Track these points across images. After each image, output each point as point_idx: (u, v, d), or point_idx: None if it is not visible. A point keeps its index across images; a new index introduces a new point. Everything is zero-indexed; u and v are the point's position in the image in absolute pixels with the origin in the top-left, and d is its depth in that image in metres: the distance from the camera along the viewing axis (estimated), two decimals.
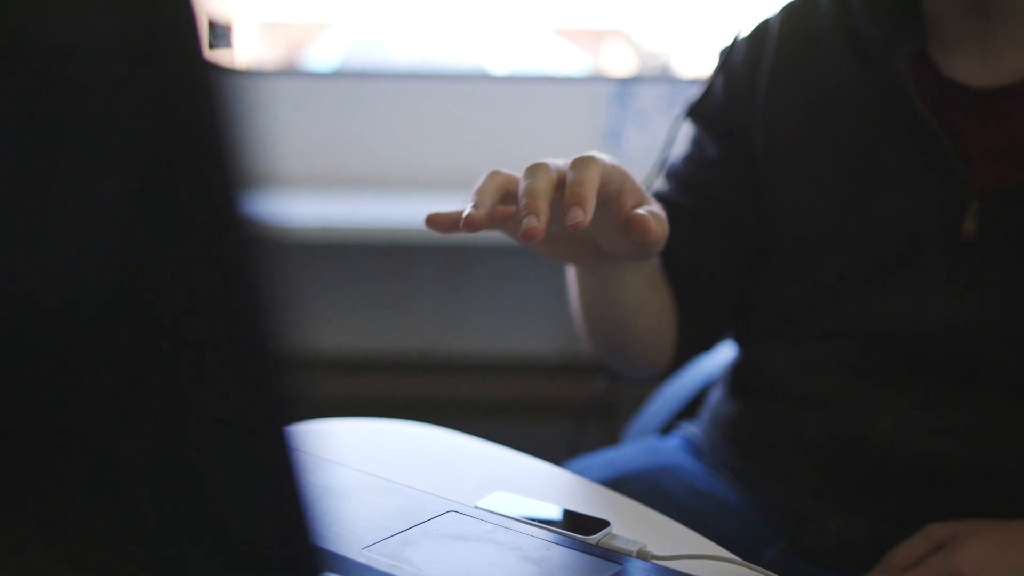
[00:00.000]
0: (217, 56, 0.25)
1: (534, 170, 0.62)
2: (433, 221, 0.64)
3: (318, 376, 2.37)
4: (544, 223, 0.59)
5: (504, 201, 0.65)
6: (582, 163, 0.62)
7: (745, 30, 0.94)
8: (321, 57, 5.20)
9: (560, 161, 0.64)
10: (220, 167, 0.24)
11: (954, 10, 0.82)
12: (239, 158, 0.24)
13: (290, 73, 2.83)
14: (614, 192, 0.65)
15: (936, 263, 0.81)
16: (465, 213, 0.61)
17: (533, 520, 0.62)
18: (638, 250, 0.72)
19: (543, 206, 0.59)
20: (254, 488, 0.25)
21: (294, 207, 2.11)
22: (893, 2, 0.84)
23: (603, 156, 0.64)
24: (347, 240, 2.11)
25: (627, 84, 2.36)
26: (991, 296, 0.79)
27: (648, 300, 0.86)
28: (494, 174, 0.64)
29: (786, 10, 0.93)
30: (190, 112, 0.24)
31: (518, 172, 0.64)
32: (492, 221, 0.64)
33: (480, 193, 0.62)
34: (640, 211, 0.66)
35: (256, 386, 0.25)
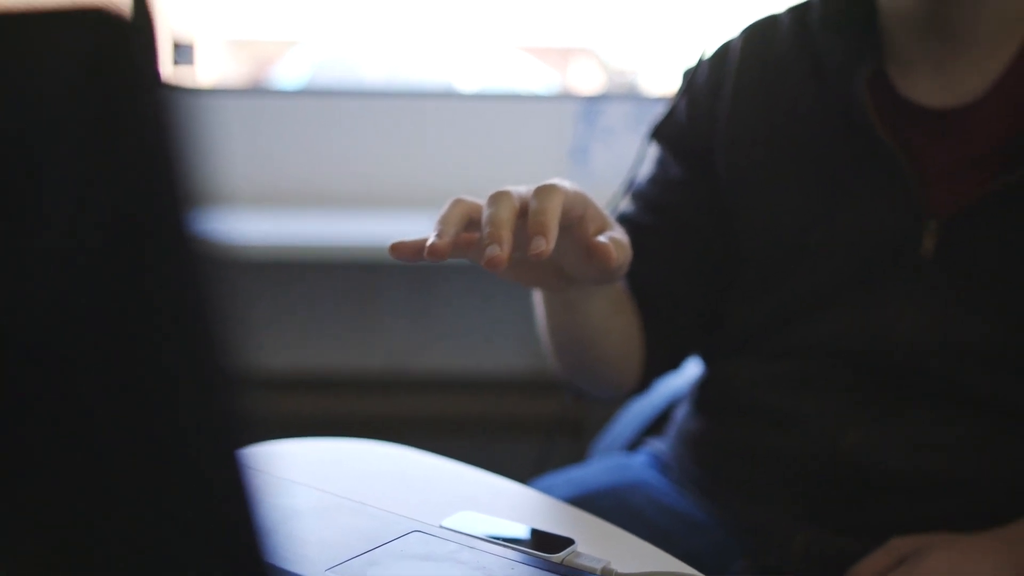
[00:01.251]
0: (174, 74, 0.25)
1: (497, 198, 0.62)
2: (397, 249, 0.64)
3: (286, 395, 2.36)
4: (507, 252, 0.59)
5: (468, 228, 0.64)
6: (544, 191, 0.62)
7: (708, 51, 0.95)
8: (289, 75, 5.18)
9: (522, 188, 0.64)
10: (171, 186, 0.24)
11: (911, 33, 0.83)
12: (191, 177, 0.24)
13: (257, 91, 2.83)
14: (576, 218, 0.66)
15: (897, 280, 0.82)
16: (429, 242, 0.61)
17: (498, 539, 0.62)
18: (601, 275, 0.72)
19: (506, 235, 0.60)
20: (207, 510, 0.25)
21: (263, 226, 2.11)
22: (851, 24, 0.86)
23: (565, 183, 0.64)
24: (316, 259, 2.10)
25: (594, 102, 2.37)
26: (950, 312, 0.80)
27: (614, 322, 0.87)
28: (457, 202, 0.64)
29: (747, 31, 0.94)
30: (140, 131, 0.24)
31: (482, 198, 0.64)
32: (456, 249, 0.64)
33: (444, 222, 0.62)
34: (601, 238, 0.66)
35: (209, 406, 0.24)
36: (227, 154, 2.38)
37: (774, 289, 0.88)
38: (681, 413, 0.97)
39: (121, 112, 0.23)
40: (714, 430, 0.91)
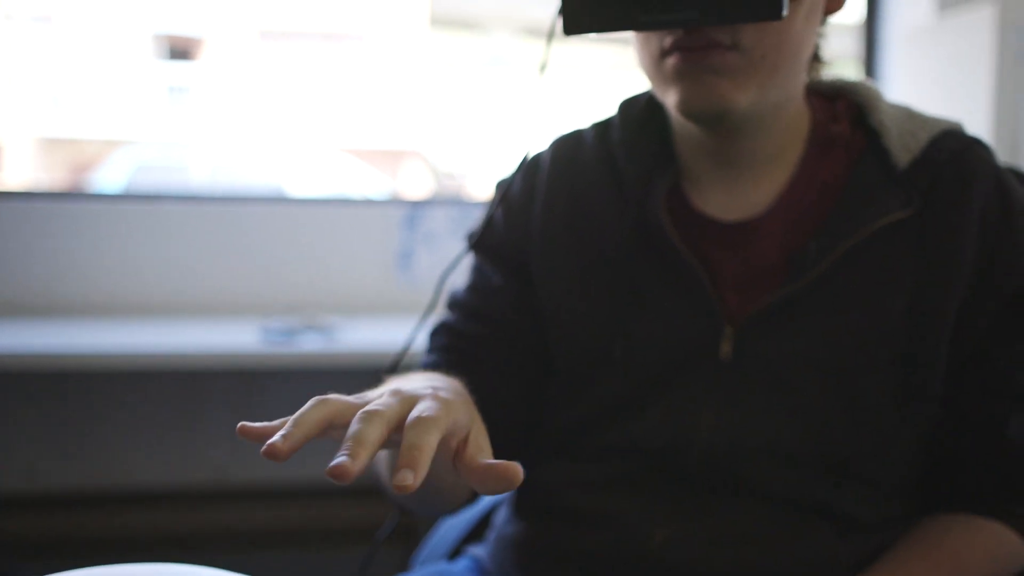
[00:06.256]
0: None
1: (369, 417, 0.56)
2: (244, 432, 0.59)
3: (100, 514, 2.24)
4: (357, 470, 0.54)
5: (326, 433, 0.59)
6: (420, 427, 0.56)
7: (520, 162, 0.99)
8: (109, 177, 5.04)
9: (394, 404, 0.59)
10: None
11: (699, 156, 0.90)
12: None
13: (74, 194, 2.73)
14: (459, 447, 0.61)
15: (699, 383, 0.86)
16: (272, 439, 0.56)
17: None
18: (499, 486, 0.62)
19: (364, 456, 0.54)
20: None
21: (83, 336, 2.02)
22: (648, 144, 0.92)
23: (440, 404, 0.59)
24: (136, 368, 2.02)
25: (417, 207, 2.41)
26: (748, 413, 0.85)
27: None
28: (320, 404, 0.59)
29: (555, 145, 0.99)
30: None
31: (351, 403, 0.60)
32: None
33: (297, 423, 0.57)
34: (486, 459, 0.60)
35: None
36: (40, 262, 2.28)
37: (584, 394, 0.90)
38: (500, 517, 0.98)
39: None
40: (531, 533, 0.92)
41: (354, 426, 0.56)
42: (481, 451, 0.61)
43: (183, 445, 2.31)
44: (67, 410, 2.29)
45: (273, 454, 0.55)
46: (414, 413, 0.58)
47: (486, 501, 1.11)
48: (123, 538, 2.21)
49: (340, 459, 0.53)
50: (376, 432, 0.56)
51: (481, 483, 0.59)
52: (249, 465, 2.30)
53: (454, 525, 1.10)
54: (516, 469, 0.57)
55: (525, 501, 0.95)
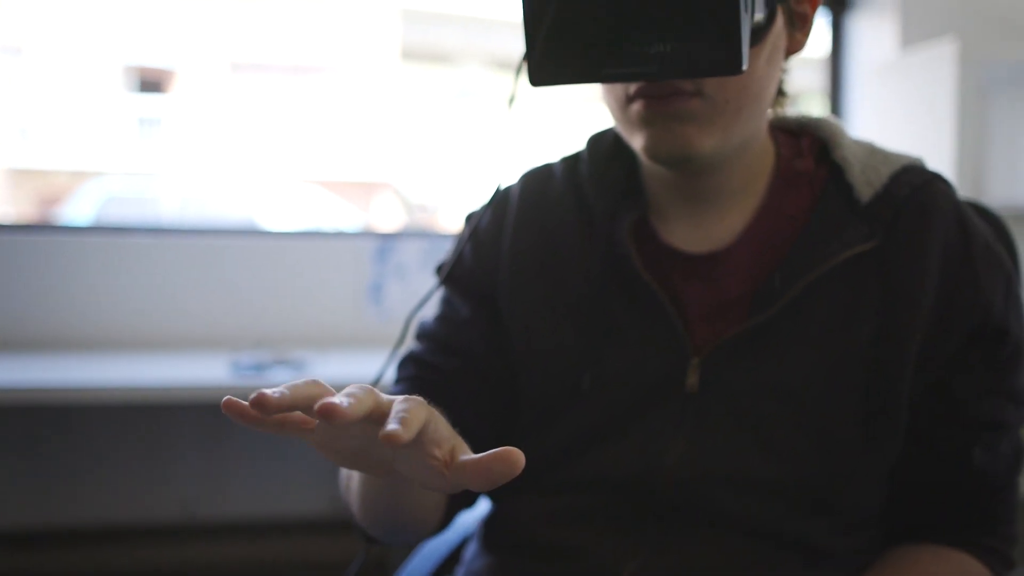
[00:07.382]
0: None
1: (360, 389, 0.57)
2: (230, 405, 0.57)
3: (70, 551, 2.21)
4: (348, 414, 0.54)
5: (304, 421, 0.60)
6: (413, 402, 0.57)
7: (489, 196, 0.99)
8: (79, 209, 5.02)
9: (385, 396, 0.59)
10: None
11: (665, 191, 0.91)
12: None
13: (42, 227, 2.71)
14: (446, 457, 0.61)
15: (666, 414, 0.87)
16: (263, 390, 0.56)
17: None
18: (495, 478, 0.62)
19: (356, 405, 0.55)
20: None
21: (46, 369, 2.00)
22: (616, 177, 0.93)
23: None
24: (104, 401, 2.00)
25: (388, 239, 2.41)
26: (715, 444, 0.85)
27: None
28: (313, 382, 0.59)
29: (525, 178, 0.99)
30: None
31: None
32: (287, 423, 0.60)
33: (289, 387, 0.57)
34: (467, 456, 0.61)
35: None
36: (6, 295, 2.26)
37: (553, 427, 0.91)
38: (469, 552, 0.98)
39: None
40: (500, 567, 0.92)
41: (400, 405, 0.56)
42: (467, 453, 0.61)
43: (151, 480, 2.29)
44: (31, 445, 2.26)
45: (262, 403, 0.55)
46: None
47: (455, 536, 1.10)
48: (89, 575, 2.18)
49: (393, 427, 0.54)
50: (370, 399, 0.56)
51: (483, 476, 0.59)
52: (218, 500, 2.27)
53: (424, 560, 1.10)
54: (516, 452, 0.58)
55: (493, 535, 0.94)
